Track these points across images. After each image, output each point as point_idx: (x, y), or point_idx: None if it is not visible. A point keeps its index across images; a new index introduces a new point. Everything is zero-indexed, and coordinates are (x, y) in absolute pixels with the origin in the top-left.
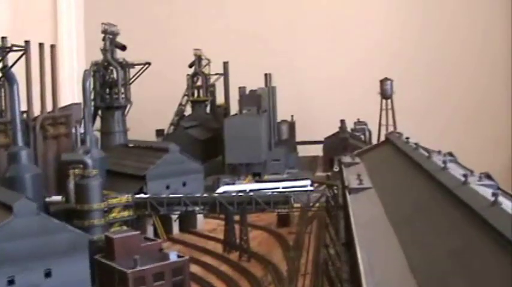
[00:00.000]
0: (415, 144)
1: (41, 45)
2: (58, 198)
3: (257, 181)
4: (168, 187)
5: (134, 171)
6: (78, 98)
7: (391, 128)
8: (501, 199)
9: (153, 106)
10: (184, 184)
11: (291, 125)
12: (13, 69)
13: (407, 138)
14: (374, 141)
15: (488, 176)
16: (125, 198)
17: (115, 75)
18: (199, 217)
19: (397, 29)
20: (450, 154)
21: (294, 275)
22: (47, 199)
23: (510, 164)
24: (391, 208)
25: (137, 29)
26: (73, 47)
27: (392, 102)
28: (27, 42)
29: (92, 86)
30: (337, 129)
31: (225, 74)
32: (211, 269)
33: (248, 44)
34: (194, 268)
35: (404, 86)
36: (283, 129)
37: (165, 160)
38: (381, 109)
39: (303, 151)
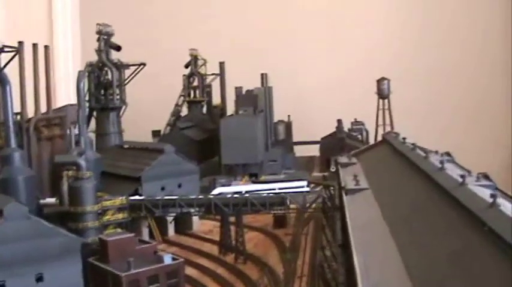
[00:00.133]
0: (412, 144)
1: (34, 45)
2: (52, 200)
3: (254, 182)
4: (163, 189)
5: (129, 172)
6: (73, 99)
7: (388, 128)
8: (500, 200)
9: (149, 107)
10: (179, 185)
11: (288, 125)
12: (7, 71)
13: (404, 138)
14: (371, 141)
15: (486, 177)
16: (119, 200)
17: (110, 76)
18: (195, 218)
19: (395, 29)
20: (448, 154)
21: (290, 277)
22: (41, 201)
23: (509, 165)
24: (387, 209)
25: (132, 29)
26: (68, 48)
27: (389, 102)
28: (20, 43)
29: (86, 87)
30: (334, 130)
31: (221, 74)
32: (207, 271)
33: (244, 44)
34: (189, 271)
35: (401, 86)
36: (280, 130)
37: (160, 161)
38: (378, 109)
39: (300, 151)
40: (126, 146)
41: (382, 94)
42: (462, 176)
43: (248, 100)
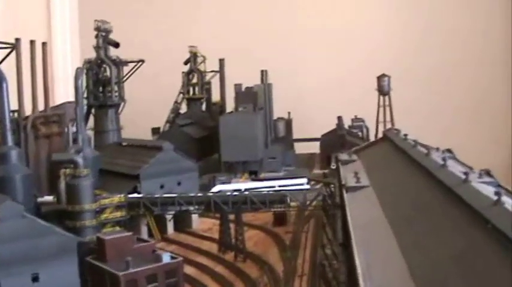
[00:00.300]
0: (414, 141)
1: (32, 42)
2: (50, 198)
3: (253, 179)
4: (162, 186)
5: (128, 170)
6: (72, 96)
7: (388, 125)
8: (504, 197)
9: (148, 104)
10: (179, 183)
11: (288, 123)
12: (5, 68)
13: (405, 135)
14: (371, 138)
15: (488, 173)
16: (117, 198)
17: (108, 73)
18: (195, 216)
19: (397, 27)
20: (449, 151)
21: (290, 276)
22: (39, 200)
23: (510, 162)
24: (389, 207)
25: (131, 26)
26: (67, 45)
27: (389, 98)
28: (17, 39)
29: (85, 84)
30: (334, 127)
31: (221, 71)
32: (206, 270)
33: (244, 41)
34: (189, 269)
35: (402, 83)
36: (280, 127)
37: (159, 159)
38: (379, 106)
39: (300, 148)
40: (124, 143)
41: (383, 91)
42: (465, 173)
43: (248, 97)
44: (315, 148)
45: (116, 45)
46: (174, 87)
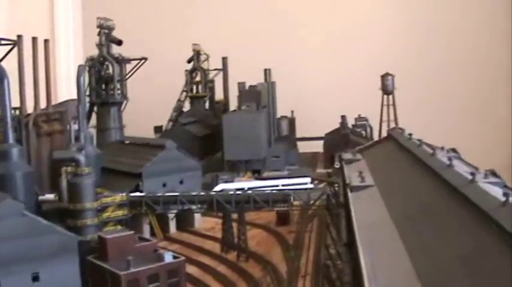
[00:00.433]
0: (419, 140)
1: (34, 39)
2: (51, 196)
3: (256, 178)
4: (164, 185)
5: (130, 168)
6: (75, 94)
7: (392, 124)
8: None
9: (151, 102)
10: (181, 182)
11: (291, 121)
12: (8, 65)
13: (410, 134)
14: (375, 137)
15: (494, 173)
16: (119, 197)
17: (111, 70)
18: (197, 215)
19: (401, 25)
20: (453, 150)
21: (293, 276)
22: (40, 198)
23: (510, 162)
24: (394, 207)
25: (135, 23)
26: (70, 42)
27: (393, 97)
28: (19, 36)
29: (87, 82)
30: (337, 126)
31: (224, 70)
32: (208, 269)
33: (247, 39)
34: (191, 269)
35: (406, 82)
36: (283, 126)
37: (161, 157)
38: (382, 105)
39: (303, 147)
40: (127, 141)
41: (386, 90)
42: (472, 174)
43: (251, 96)
44: (318, 146)
45: (119, 42)
46: (177, 85)
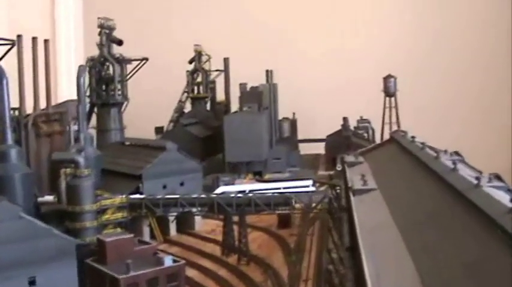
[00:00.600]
0: (422, 143)
1: (34, 39)
2: (51, 198)
3: (258, 180)
4: (165, 187)
5: (130, 170)
6: (76, 94)
7: (394, 126)
8: None
9: (153, 103)
10: (182, 184)
11: (293, 123)
12: (6, 65)
13: (413, 137)
14: (377, 139)
15: (498, 177)
16: (118, 199)
17: (111, 71)
18: (198, 217)
19: (402, 26)
20: (457, 153)
21: (295, 281)
22: (39, 199)
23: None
24: (398, 212)
25: (136, 23)
26: (71, 42)
27: (396, 99)
28: (19, 36)
29: (87, 82)
30: (339, 127)
31: (226, 71)
32: (209, 273)
33: (249, 40)
34: (191, 272)
35: (407, 84)
36: (285, 127)
37: (161, 159)
38: (384, 107)
39: (305, 149)
40: (127, 143)
41: (389, 92)
42: (477, 178)
43: (253, 97)
44: (320, 148)
45: (120, 43)
46: (179, 86)
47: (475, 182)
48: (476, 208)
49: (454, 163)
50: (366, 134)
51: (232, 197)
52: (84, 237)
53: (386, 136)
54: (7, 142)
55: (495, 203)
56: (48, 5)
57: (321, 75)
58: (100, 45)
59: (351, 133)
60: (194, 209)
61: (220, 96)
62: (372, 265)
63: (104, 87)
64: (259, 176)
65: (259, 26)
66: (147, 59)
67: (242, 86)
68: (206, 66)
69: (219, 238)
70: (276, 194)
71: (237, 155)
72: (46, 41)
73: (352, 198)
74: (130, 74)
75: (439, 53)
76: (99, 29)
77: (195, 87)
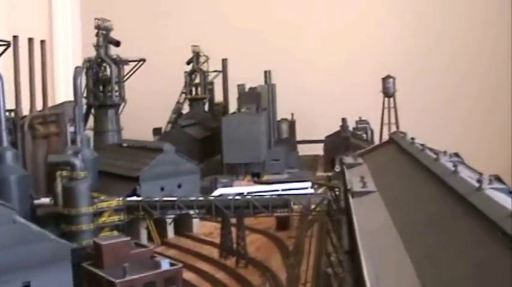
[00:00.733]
0: (421, 145)
1: (30, 40)
2: (47, 200)
3: (256, 182)
4: (162, 189)
5: (127, 172)
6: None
7: (393, 127)
8: None
9: (151, 104)
10: (179, 186)
11: (291, 124)
12: (3, 66)
13: (412, 138)
14: (376, 140)
15: (498, 179)
16: (115, 201)
17: (108, 72)
18: (196, 219)
19: (402, 27)
20: (456, 155)
21: (293, 284)
22: (36, 202)
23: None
24: (397, 214)
25: (134, 24)
26: (69, 44)
27: (394, 100)
28: (15, 37)
29: (84, 84)
30: (338, 128)
31: (224, 71)
32: (207, 276)
33: (247, 40)
34: (188, 275)
35: (406, 85)
36: (283, 128)
37: (159, 161)
38: (383, 107)
39: (304, 150)
40: (124, 144)
41: (388, 92)
42: (478, 181)
43: (251, 98)
44: (318, 149)
45: (117, 44)
46: (177, 87)
47: (476, 184)
48: (478, 211)
49: (455, 165)
50: (364, 135)
51: (230, 199)
52: (80, 240)
53: (385, 137)
54: (3, 144)
55: (497, 206)
56: (46, 5)
57: (319, 76)
58: (97, 46)
59: (350, 134)
60: (192, 212)
61: (218, 97)
62: (371, 268)
63: (101, 88)
64: (257, 178)
65: (258, 26)
66: (144, 60)
67: (240, 87)
68: (204, 67)
69: (217, 240)
70: (274, 196)
71: (235, 156)
72: (42, 42)
73: (351, 200)
74: (128, 75)
75: (439, 53)
76: (96, 30)
77: (193, 88)
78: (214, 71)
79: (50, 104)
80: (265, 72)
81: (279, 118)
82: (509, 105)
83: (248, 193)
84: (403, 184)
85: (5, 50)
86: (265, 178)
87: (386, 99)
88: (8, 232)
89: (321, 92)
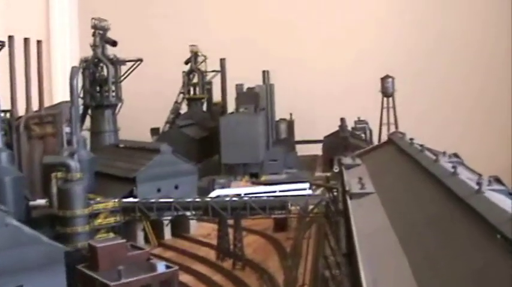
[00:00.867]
0: (421, 145)
1: (26, 40)
2: (43, 202)
3: (254, 183)
4: (159, 190)
5: (123, 173)
6: None
7: (392, 127)
8: None
9: (149, 104)
10: (176, 187)
11: (290, 124)
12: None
13: (411, 139)
14: (375, 140)
15: (498, 180)
16: (111, 203)
17: (105, 72)
18: (193, 221)
19: (401, 26)
20: (456, 155)
21: (291, 286)
22: (31, 203)
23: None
24: (396, 217)
25: (131, 24)
26: (66, 44)
27: (393, 100)
28: (10, 37)
29: (81, 84)
30: (337, 128)
31: (222, 71)
32: (203, 278)
33: (246, 40)
34: (185, 277)
35: (405, 84)
36: (282, 128)
37: (156, 162)
38: (382, 107)
39: (302, 150)
40: (121, 145)
41: (386, 92)
42: (478, 183)
43: (249, 98)
44: (317, 149)
45: (114, 43)
46: (175, 87)
47: (476, 187)
48: (477, 214)
49: (454, 167)
50: (363, 135)
51: (227, 200)
52: (75, 242)
53: (384, 137)
54: None
55: (497, 209)
56: (43, 5)
57: (318, 76)
58: (94, 46)
59: (349, 134)
60: (188, 213)
61: (216, 97)
62: (369, 272)
63: (97, 88)
64: (255, 178)
65: (256, 26)
66: (141, 60)
67: (238, 86)
68: (202, 67)
69: (215, 241)
70: (271, 197)
71: (233, 156)
72: (39, 42)
73: (349, 202)
74: (125, 75)
75: (439, 53)
76: (92, 30)
77: (191, 88)
78: (213, 71)
79: (48, 104)
80: (264, 72)
81: (277, 118)
82: (509, 106)
83: (245, 194)
84: (401, 186)
85: (0, 49)
86: (263, 178)
87: (385, 99)
88: (0, 235)
89: (319, 92)
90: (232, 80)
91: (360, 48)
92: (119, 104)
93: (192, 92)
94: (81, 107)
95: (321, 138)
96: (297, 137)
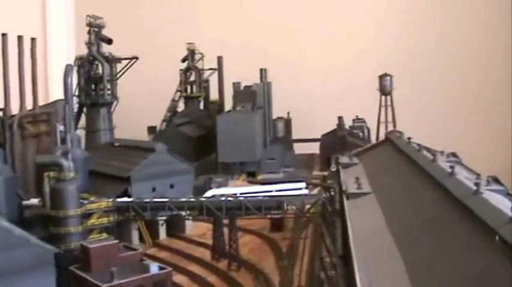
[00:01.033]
0: (418, 145)
1: (19, 38)
2: (36, 201)
3: (250, 181)
4: (154, 189)
5: (118, 172)
6: None
7: (390, 126)
8: None
9: (145, 102)
10: (171, 186)
11: (287, 122)
12: None
13: (409, 138)
14: (373, 139)
15: (496, 180)
16: (104, 203)
17: (100, 70)
18: (189, 220)
19: (399, 25)
20: (454, 155)
21: None
22: (25, 203)
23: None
24: (393, 218)
25: (128, 21)
26: (62, 42)
27: (391, 98)
28: (4, 35)
29: (76, 82)
30: (334, 127)
31: (219, 69)
32: (198, 279)
33: (243, 38)
34: (180, 278)
35: (403, 83)
36: (279, 127)
37: (151, 161)
38: (380, 106)
39: (300, 148)
40: (116, 143)
41: (384, 91)
42: (476, 184)
43: (246, 96)
44: (314, 148)
45: (109, 41)
46: (172, 85)
47: (474, 188)
48: (475, 216)
49: (452, 167)
50: (361, 134)
51: (222, 200)
52: (68, 243)
53: (382, 135)
54: None
55: (495, 211)
56: (39, 3)
57: (316, 74)
58: (89, 44)
59: (346, 133)
60: (183, 213)
61: (213, 95)
62: (364, 275)
63: (93, 86)
64: (252, 177)
65: (254, 24)
66: (137, 58)
67: (236, 85)
68: (199, 65)
69: (210, 241)
70: (267, 197)
71: (230, 155)
72: (33, 40)
73: (345, 202)
74: (120, 73)
75: (438, 53)
76: (88, 28)
77: (188, 86)
78: (210, 69)
79: (44, 102)
80: (261, 70)
81: (274, 117)
82: (508, 105)
83: (241, 193)
84: (398, 186)
85: None
86: (260, 177)
87: (383, 97)
88: None
89: (318, 91)
90: (230, 78)
91: (359, 48)
92: (115, 102)
93: (189, 90)
94: (76, 106)
95: (319, 137)
96: (295, 136)
